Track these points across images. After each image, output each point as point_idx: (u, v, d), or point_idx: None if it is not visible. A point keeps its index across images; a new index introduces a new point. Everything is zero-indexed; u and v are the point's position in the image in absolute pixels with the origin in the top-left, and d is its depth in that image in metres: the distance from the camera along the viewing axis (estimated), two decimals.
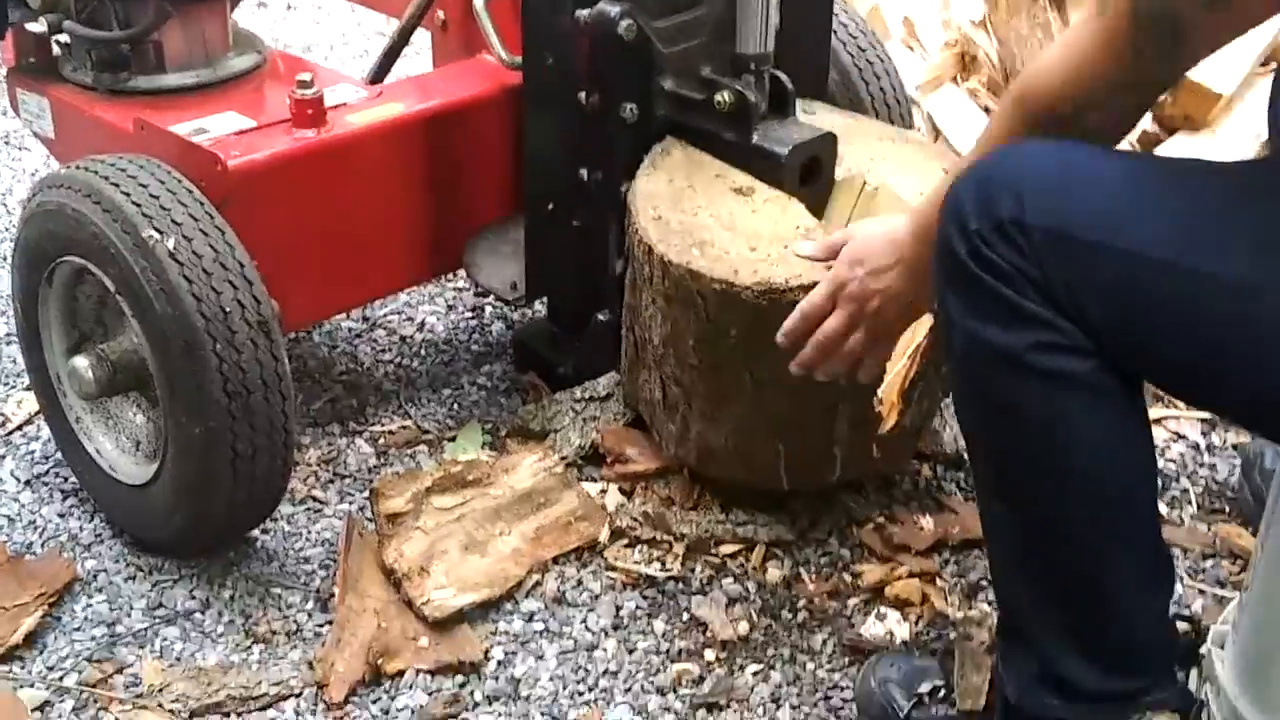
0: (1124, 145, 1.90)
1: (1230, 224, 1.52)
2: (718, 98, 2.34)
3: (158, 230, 2.16)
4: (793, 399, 2.18)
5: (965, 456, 2.41)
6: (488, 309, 3.16)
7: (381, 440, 2.74)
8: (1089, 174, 1.59)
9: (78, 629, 2.29)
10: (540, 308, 2.81)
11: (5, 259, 3.14)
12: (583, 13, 2.32)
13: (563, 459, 2.53)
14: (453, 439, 2.72)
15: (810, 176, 2.36)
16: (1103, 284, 1.55)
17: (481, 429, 2.74)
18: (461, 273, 2.87)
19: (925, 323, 2.02)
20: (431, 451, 2.70)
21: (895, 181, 2.35)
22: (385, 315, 3.17)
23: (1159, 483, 2.48)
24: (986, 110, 3.46)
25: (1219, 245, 1.50)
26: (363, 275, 2.66)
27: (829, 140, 2.38)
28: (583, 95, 2.41)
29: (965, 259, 1.60)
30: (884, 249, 1.91)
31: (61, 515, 2.54)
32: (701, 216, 2.25)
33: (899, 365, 2.09)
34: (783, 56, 2.39)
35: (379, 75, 2.84)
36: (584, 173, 2.47)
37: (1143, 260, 1.52)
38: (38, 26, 2.67)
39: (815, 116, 2.50)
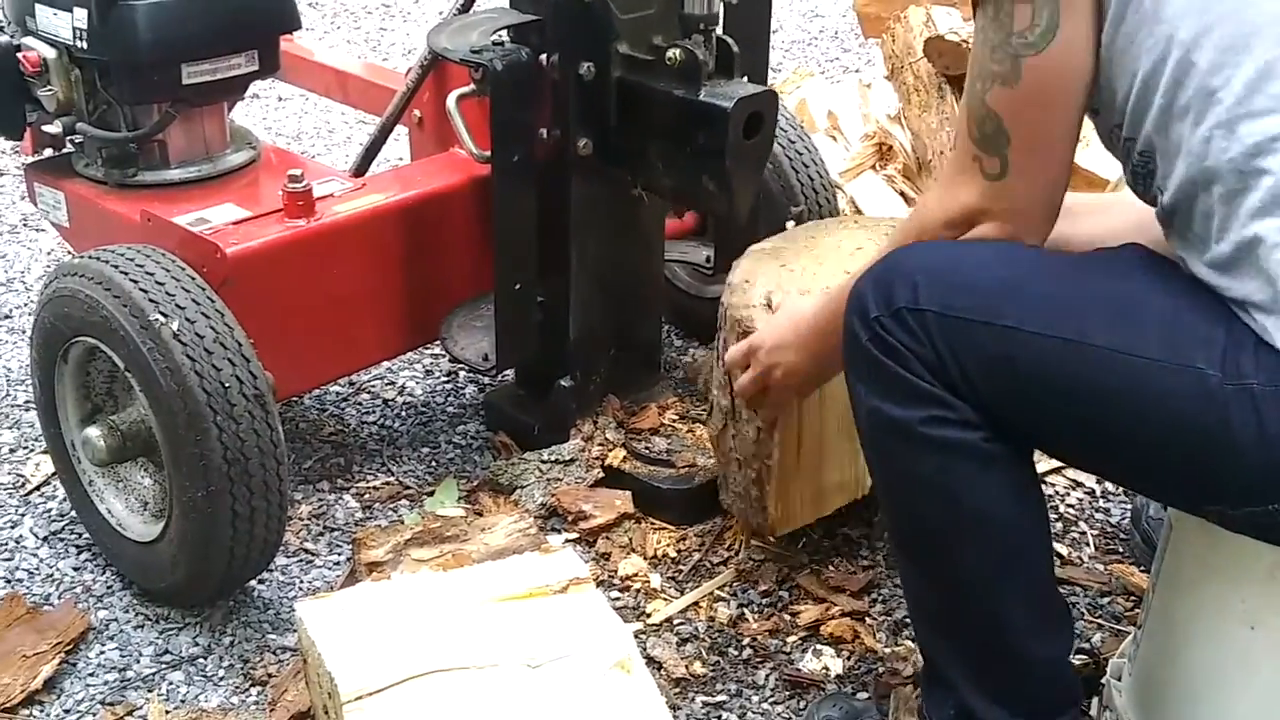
0: None
1: (1090, 301, 1.56)
2: (669, 53, 2.32)
3: (163, 314, 2.17)
4: None
5: None
6: (461, 375, 3.13)
7: (366, 495, 2.71)
8: (975, 264, 1.62)
9: (91, 674, 2.28)
10: (510, 374, 2.80)
11: (24, 333, 3.12)
12: None
13: (528, 513, 2.51)
14: (431, 493, 2.69)
15: (752, 130, 2.33)
16: (987, 358, 1.57)
17: (457, 484, 2.71)
18: (438, 344, 2.81)
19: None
20: (412, 505, 2.67)
21: None
22: (369, 381, 3.11)
23: (1059, 526, 2.57)
24: (903, 195, 3.53)
25: (1082, 319, 1.54)
26: (348, 348, 2.63)
27: (771, 97, 2.36)
28: (550, 58, 2.41)
29: (867, 344, 1.63)
30: (787, 329, 1.98)
31: (76, 569, 2.53)
32: None
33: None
34: None
35: (362, 168, 2.86)
36: (544, 132, 2.47)
37: (1019, 334, 1.55)
38: (53, 128, 2.65)
39: None
